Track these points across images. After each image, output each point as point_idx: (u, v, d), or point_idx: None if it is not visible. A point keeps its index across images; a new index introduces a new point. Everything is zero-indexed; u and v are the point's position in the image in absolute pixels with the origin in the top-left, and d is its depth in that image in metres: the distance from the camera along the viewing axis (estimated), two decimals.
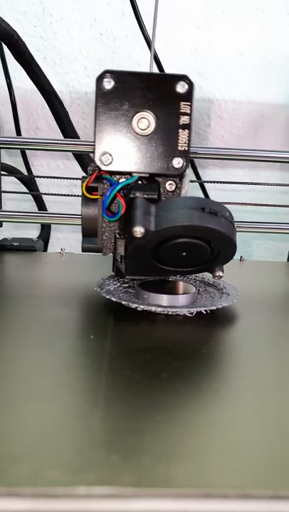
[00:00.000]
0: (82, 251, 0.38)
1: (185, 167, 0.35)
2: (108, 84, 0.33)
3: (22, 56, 0.47)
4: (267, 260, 0.73)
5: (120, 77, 0.33)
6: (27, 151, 0.65)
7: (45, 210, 0.65)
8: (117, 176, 0.36)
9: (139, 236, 0.31)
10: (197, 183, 0.68)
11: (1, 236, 0.59)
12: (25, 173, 0.65)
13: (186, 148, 0.34)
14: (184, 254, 0.34)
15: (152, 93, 0.33)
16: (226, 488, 0.17)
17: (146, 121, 0.34)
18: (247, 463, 0.19)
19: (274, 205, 0.61)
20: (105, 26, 0.66)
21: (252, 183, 0.61)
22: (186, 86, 0.34)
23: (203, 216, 0.31)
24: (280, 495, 0.17)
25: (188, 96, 0.34)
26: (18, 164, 0.64)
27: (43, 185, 0.67)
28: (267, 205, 0.65)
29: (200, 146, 0.70)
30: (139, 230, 0.31)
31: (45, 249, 0.65)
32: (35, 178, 0.65)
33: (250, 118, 0.71)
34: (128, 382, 0.25)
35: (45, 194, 0.64)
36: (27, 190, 0.64)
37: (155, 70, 0.61)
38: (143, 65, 0.66)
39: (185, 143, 0.34)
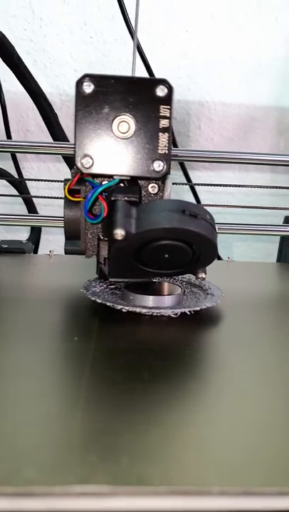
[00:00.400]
0: (65, 253, 0.38)
1: (166, 170, 0.35)
2: (88, 88, 0.33)
3: (10, 59, 0.48)
4: (256, 261, 0.73)
5: (100, 81, 0.34)
6: (17, 154, 0.66)
7: (36, 212, 0.65)
8: (100, 179, 0.36)
9: (119, 238, 0.31)
10: (187, 186, 0.69)
11: None
12: (16, 176, 0.65)
13: (167, 152, 0.35)
14: (166, 256, 0.34)
15: (132, 97, 0.34)
16: (202, 486, 0.17)
17: (126, 124, 0.34)
18: (223, 461, 0.19)
19: (263, 208, 0.62)
20: (95, 30, 0.67)
21: (241, 186, 0.61)
22: (166, 90, 0.34)
23: (183, 218, 0.32)
24: (252, 491, 0.17)
25: (167, 99, 0.34)
26: (9, 167, 0.64)
27: (33, 188, 0.67)
28: (257, 207, 0.66)
29: (190, 148, 0.71)
30: (119, 233, 0.31)
31: (36, 251, 0.65)
32: (26, 181, 0.65)
33: (239, 120, 0.71)
34: (109, 384, 0.25)
35: (35, 197, 0.64)
36: (17, 193, 0.64)
37: (143, 73, 0.62)
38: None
39: (165, 146, 0.34)
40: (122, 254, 0.34)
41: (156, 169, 0.35)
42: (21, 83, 0.53)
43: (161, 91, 0.34)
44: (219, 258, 0.72)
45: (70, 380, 0.25)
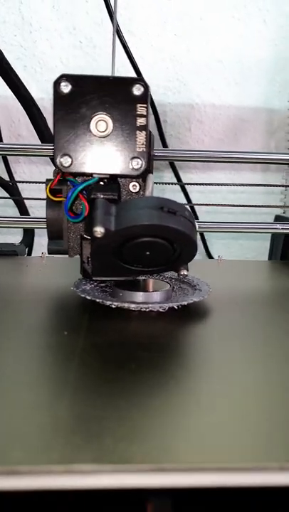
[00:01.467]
0: (48, 253, 0.38)
1: (144, 167, 0.35)
2: (65, 88, 0.34)
3: None
4: (248, 260, 0.73)
5: (77, 81, 0.34)
6: (9, 158, 0.66)
7: (28, 215, 0.66)
8: (81, 178, 0.36)
9: (99, 236, 0.31)
10: (178, 186, 0.70)
11: None
12: (8, 179, 0.65)
13: (145, 149, 0.35)
14: (148, 253, 0.34)
15: (109, 96, 0.34)
16: (180, 463, 0.18)
17: (104, 123, 0.34)
18: (203, 441, 0.20)
19: (254, 206, 0.62)
20: (84, 34, 0.67)
21: (232, 184, 0.62)
22: (142, 88, 0.34)
23: (162, 215, 0.32)
24: (227, 467, 0.18)
25: (144, 98, 0.34)
26: (0, 170, 0.65)
27: (25, 191, 0.67)
28: (247, 205, 0.67)
29: (181, 148, 0.71)
30: (99, 230, 0.31)
31: (30, 254, 0.65)
32: (18, 185, 0.66)
33: (229, 122, 0.72)
34: (97, 374, 0.25)
35: (26, 199, 0.64)
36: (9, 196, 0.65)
37: (132, 75, 0.62)
38: (122, 71, 0.67)
39: (143, 144, 0.35)
40: (104, 252, 0.34)
41: (135, 167, 0.35)
42: (10, 88, 0.53)
43: (137, 90, 0.34)
44: (210, 257, 0.73)
45: (58, 371, 0.26)
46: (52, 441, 0.19)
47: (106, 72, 0.69)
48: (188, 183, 0.69)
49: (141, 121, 0.34)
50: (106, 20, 0.65)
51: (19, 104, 0.57)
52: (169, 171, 0.70)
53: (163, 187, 0.70)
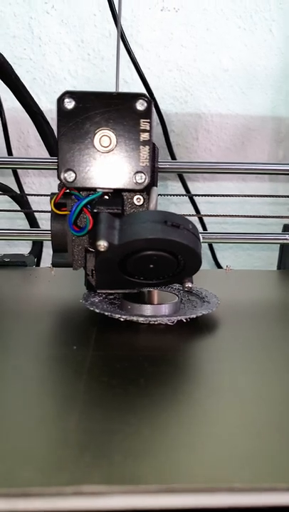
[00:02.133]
0: (53, 266, 0.38)
1: (148, 182, 0.35)
2: (69, 104, 0.34)
3: (9, 78, 0.49)
4: (256, 269, 0.73)
5: (80, 97, 0.34)
6: (18, 170, 0.67)
7: (38, 227, 0.66)
8: (85, 192, 0.36)
9: (102, 250, 0.32)
10: (187, 197, 0.70)
11: None
12: (18, 191, 0.66)
13: (148, 164, 0.35)
14: (152, 266, 0.34)
15: (113, 112, 0.35)
16: (192, 483, 0.18)
17: (107, 138, 0.35)
18: (213, 460, 0.20)
19: (262, 216, 0.62)
20: (92, 47, 0.68)
21: (239, 195, 0.62)
22: (145, 104, 0.35)
23: (165, 229, 0.32)
24: (237, 488, 0.18)
25: (147, 113, 0.35)
26: (11, 183, 0.66)
27: (35, 203, 0.68)
28: (256, 216, 0.67)
29: (190, 160, 0.72)
30: (102, 244, 0.32)
31: (38, 264, 0.66)
32: (28, 196, 0.66)
33: (236, 131, 0.73)
34: (105, 388, 0.26)
35: (36, 211, 0.65)
36: (19, 208, 0.65)
37: (140, 87, 0.63)
38: (130, 83, 0.68)
39: (146, 158, 0.35)
40: (108, 265, 0.34)
41: (139, 181, 0.35)
42: (19, 101, 0.54)
43: (140, 105, 0.35)
44: (219, 267, 0.73)
45: (68, 384, 0.26)
46: (61, 458, 0.19)
47: (113, 83, 0.70)
48: (196, 195, 0.69)
49: (144, 136, 0.35)
50: (114, 33, 0.66)
51: (28, 116, 0.58)
52: (177, 181, 0.70)
53: (171, 198, 0.70)
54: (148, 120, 0.35)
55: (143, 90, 0.63)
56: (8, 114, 0.64)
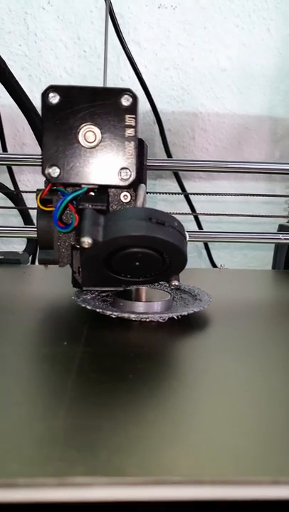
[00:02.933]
0: (39, 263, 0.38)
1: (133, 178, 0.35)
2: (54, 99, 0.34)
3: (2, 74, 0.49)
4: (250, 269, 0.73)
5: (65, 91, 0.34)
6: (13, 167, 0.66)
7: (32, 224, 0.66)
8: (72, 189, 0.36)
9: (86, 246, 0.31)
10: (182, 196, 0.69)
11: None
12: (12, 188, 0.66)
13: (133, 160, 0.35)
14: (137, 264, 0.34)
15: (98, 107, 0.34)
16: (176, 476, 0.18)
17: (92, 134, 0.34)
18: (198, 453, 0.20)
19: (258, 216, 0.62)
20: (89, 44, 0.68)
21: (235, 194, 0.62)
22: (131, 99, 0.34)
23: (150, 226, 0.32)
24: (226, 480, 0.18)
25: (132, 109, 0.34)
26: (5, 180, 0.65)
27: (30, 200, 0.68)
28: (251, 215, 0.66)
29: (185, 158, 0.72)
30: (86, 241, 0.31)
31: (33, 262, 0.65)
32: (22, 193, 0.66)
33: (233, 130, 0.72)
34: (94, 384, 0.25)
35: (31, 208, 0.65)
36: (14, 206, 0.65)
37: (136, 85, 0.63)
38: (126, 80, 0.68)
39: (132, 155, 0.35)
40: (93, 262, 0.34)
41: (124, 177, 0.35)
42: (13, 98, 0.53)
43: (126, 100, 0.34)
44: (214, 266, 0.73)
45: (56, 381, 0.26)
46: (47, 454, 0.19)
47: (110, 80, 0.70)
48: (191, 193, 0.69)
49: (130, 131, 0.34)
50: (111, 30, 0.66)
51: (22, 113, 0.57)
52: (173, 180, 0.70)
53: (166, 196, 0.70)
54: (133, 116, 0.34)
55: (139, 89, 0.63)
56: (3, 111, 0.64)
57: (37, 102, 0.58)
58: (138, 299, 0.37)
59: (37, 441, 0.20)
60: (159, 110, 0.67)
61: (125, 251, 0.33)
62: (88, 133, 0.34)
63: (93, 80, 0.69)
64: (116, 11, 0.61)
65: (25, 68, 0.68)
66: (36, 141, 0.60)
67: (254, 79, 0.71)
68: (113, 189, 0.37)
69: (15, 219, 0.70)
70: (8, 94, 0.55)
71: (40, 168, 0.65)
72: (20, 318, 0.36)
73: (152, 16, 0.68)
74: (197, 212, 0.69)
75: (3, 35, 0.66)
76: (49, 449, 0.19)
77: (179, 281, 0.36)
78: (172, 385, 0.26)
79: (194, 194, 0.68)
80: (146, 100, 0.64)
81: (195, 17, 0.68)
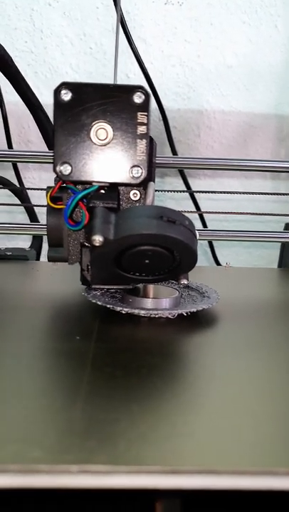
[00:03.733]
0: (48, 260, 0.38)
1: (144, 176, 0.35)
2: (66, 96, 0.34)
3: (8, 71, 0.49)
4: (255, 267, 0.73)
5: (77, 89, 0.34)
6: (19, 164, 0.66)
7: (37, 221, 0.66)
8: (82, 186, 0.36)
9: (98, 245, 0.31)
10: (187, 194, 0.69)
11: None
12: (18, 185, 0.66)
13: (145, 158, 0.35)
14: (147, 262, 0.34)
15: (110, 104, 0.34)
16: (192, 465, 0.19)
17: (104, 131, 0.34)
18: (212, 444, 0.20)
19: (263, 214, 0.62)
20: (95, 40, 0.68)
21: (241, 193, 0.62)
22: (143, 96, 0.34)
23: (161, 224, 0.32)
24: (239, 470, 0.19)
25: (145, 106, 0.34)
26: (10, 177, 0.65)
27: (35, 197, 0.68)
28: (257, 213, 0.66)
29: (190, 156, 0.71)
30: (98, 239, 0.31)
31: (38, 258, 0.65)
32: (28, 190, 0.66)
33: (239, 128, 0.72)
34: (109, 378, 0.26)
35: (36, 206, 0.65)
36: (19, 202, 0.65)
37: (143, 82, 0.62)
38: (132, 77, 0.68)
39: (143, 152, 0.35)
40: (103, 260, 0.34)
41: (135, 175, 0.35)
42: (19, 94, 0.53)
43: (138, 98, 0.34)
44: (219, 265, 0.73)
45: (72, 375, 0.26)
46: (67, 443, 0.20)
47: (116, 78, 0.69)
48: (196, 191, 0.68)
49: (142, 129, 0.34)
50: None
51: (28, 110, 0.57)
52: (178, 178, 0.70)
53: (171, 194, 0.70)
54: (145, 113, 0.34)
55: (145, 85, 0.63)
56: (8, 108, 0.63)
57: (43, 99, 0.58)
58: (147, 296, 0.37)
59: (58, 431, 0.21)
60: (164, 107, 0.67)
61: (136, 249, 0.33)
62: (100, 130, 0.34)
63: (99, 76, 0.69)
64: (122, 7, 0.61)
65: (31, 65, 0.68)
66: (42, 138, 0.60)
67: (261, 76, 0.70)
68: (122, 187, 0.36)
69: (20, 216, 0.69)
70: (14, 91, 0.55)
71: (45, 165, 0.65)
72: (32, 313, 0.37)
73: (159, 13, 0.67)
74: (202, 210, 0.69)
75: (9, 32, 0.66)
76: (70, 439, 0.20)
77: (188, 279, 0.36)
78: (185, 379, 0.26)
79: (199, 192, 0.68)
80: (152, 97, 0.64)
81: (201, 13, 0.68)
